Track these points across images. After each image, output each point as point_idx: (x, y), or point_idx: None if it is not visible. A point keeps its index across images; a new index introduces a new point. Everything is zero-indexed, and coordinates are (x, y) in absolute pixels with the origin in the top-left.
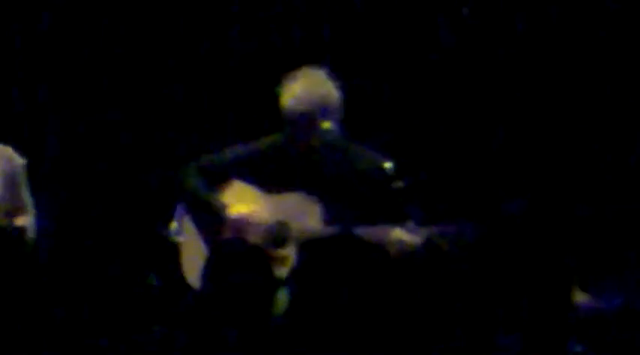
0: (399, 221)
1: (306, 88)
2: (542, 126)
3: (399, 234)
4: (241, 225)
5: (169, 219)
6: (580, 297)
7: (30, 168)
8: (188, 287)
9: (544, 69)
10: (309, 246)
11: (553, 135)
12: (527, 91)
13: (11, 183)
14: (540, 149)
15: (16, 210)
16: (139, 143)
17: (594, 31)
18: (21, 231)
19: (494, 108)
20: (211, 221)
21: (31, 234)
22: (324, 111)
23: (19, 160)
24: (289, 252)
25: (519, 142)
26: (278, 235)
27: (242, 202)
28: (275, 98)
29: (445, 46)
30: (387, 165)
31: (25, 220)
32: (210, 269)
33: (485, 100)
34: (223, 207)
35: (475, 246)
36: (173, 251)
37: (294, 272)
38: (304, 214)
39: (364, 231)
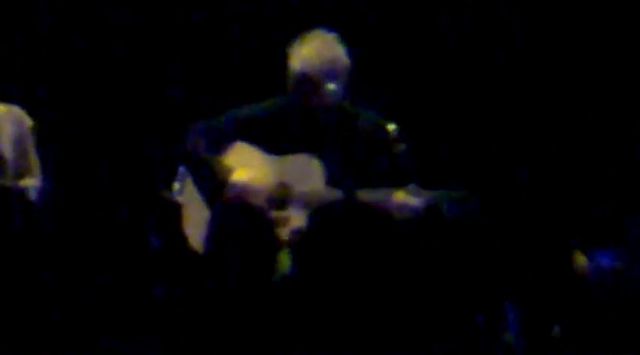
0: (401, 183)
1: (315, 50)
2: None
3: (402, 197)
4: (242, 190)
5: (172, 179)
6: (581, 261)
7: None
8: (189, 249)
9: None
10: (317, 213)
11: (554, 104)
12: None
13: (20, 144)
14: (545, 119)
15: (24, 171)
16: (142, 104)
17: (595, 30)
18: (23, 191)
19: (497, 72)
20: (213, 183)
21: (32, 195)
22: (331, 73)
23: (29, 121)
24: (291, 213)
25: (523, 110)
26: (280, 196)
27: (245, 164)
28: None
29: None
30: (391, 127)
31: (31, 181)
32: (211, 231)
33: (491, 65)
34: (225, 171)
35: (477, 210)
36: (175, 212)
37: (301, 238)
38: (307, 176)
39: (367, 194)
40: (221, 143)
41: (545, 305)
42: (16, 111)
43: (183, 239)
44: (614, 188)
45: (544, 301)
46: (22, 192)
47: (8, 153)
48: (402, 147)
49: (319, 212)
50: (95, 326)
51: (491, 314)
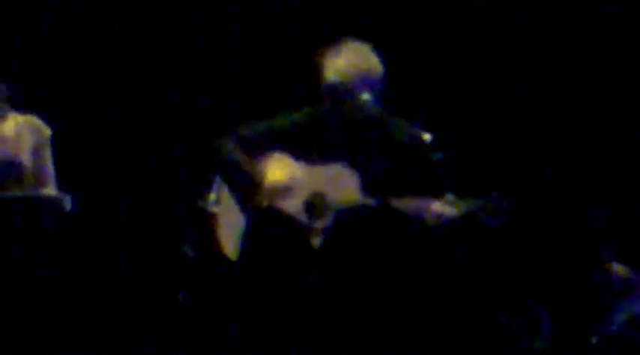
0: (437, 192)
1: (351, 61)
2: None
3: (438, 207)
4: (278, 191)
5: (207, 190)
6: (614, 268)
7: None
8: (224, 258)
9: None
10: (344, 214)
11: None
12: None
13: (39, 154)
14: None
15: (43, 181)
16: (175, 112)
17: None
18: (54, 201)
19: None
20: (248, 190)
21: (67, 206)
22: (367, 84)
23: (47, 131)
24: (326, 224)
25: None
26: (315, 206)
27: (279, 173)
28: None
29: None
30: (426, 136)
31: (50, 191)
32: (246, 241)
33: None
34: (261, 174)
35: (513, 221)
36: (210, 222)
37: (327, 238)
38: (342, 185)
39: (402, 203)
40: (254, 151)
41: (581, 313)
42: (35, 121)
43: (218, 248)
44: None
45: (580, 309)
46: (54, 202)
47: (27, 162)
48: (437, 155)
49: (345, 213)
50: (128, 337)
51: (525, 321)
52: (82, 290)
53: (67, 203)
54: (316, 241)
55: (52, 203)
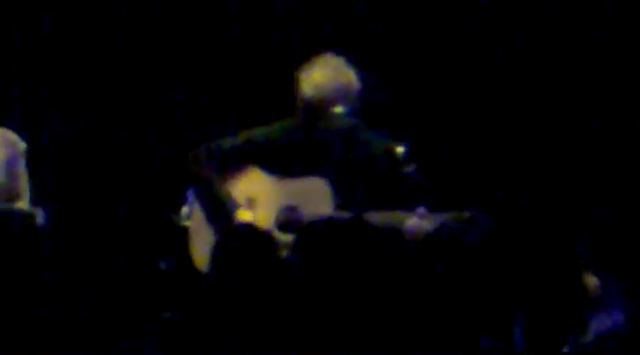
0: (410, 205)
1: (328, 75)
2: (555, 118)
3: (414, 220)
4: (251, 205)
5: (180, 203)
6: (591, 282)
7: (31, 153)
8: (196, 271)
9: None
10: (317, 228)
11: (566, 126)
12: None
13: (12, 167)
14: (554, 141)
15: (15, 195)
16: (148, 126)
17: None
18: (27, 214)
19: (505, 91)
20: (220, 204)
21: (40, 220)
22: (344, 98)
23: (21, 145)
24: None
25: (531, 131)
26: (288, 219)
27: (253, 187)
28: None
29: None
30: (399, 149)
31: (23, 205)
32: (218, 254)
33: (499, 85)
34: (233, 206)
35: (488, 233)
36: (183, 235)
37: (299, 252)
38: (316, 199)
39: (376, 217)
40: (228, 165)
41: (556, 323)
42: (8, 134)
43: (190, 261)
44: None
45: (554, 319)
46: (29, 216)
47: (0, 176)
48: (410, 168)
49: (322, 229)
50: (103, 352)
51: (500, 333)
52: (55, 304)
53: (40, 217)
54: (286, 254)
55: (24, 217)
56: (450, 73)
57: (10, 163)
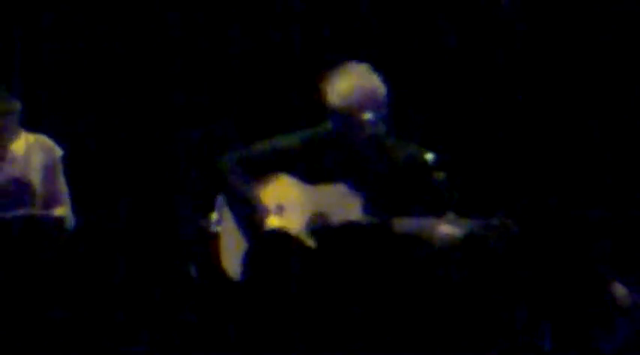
0: (440, 212)
1: (352, 83)
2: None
3: (444, 227)
4: (281, 212)
5: (210, 209)
6: (618, 291)
7: (66, 160)
8: (227, 278)
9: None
10: (347, 235)
11: (589, 132)
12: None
13: (49, 173)
14: (584, 148)
15: (54, 200)
16: (179, 134)
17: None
18: (59, 221)
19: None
20: (251, 211)
21: (68, 224)
22: (372, 106)
23: (58, 151)
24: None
25: (559, 138)
26: (318, 226)
27: (283, 195)
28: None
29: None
30: (429, 156)
31: (62, 211)
32: (250, 260)
33: (529, 95)
34: (263, 213)
35: (517, 240)
36: (213, 242)
37: (330, 258)
38: (345, 206)
39: (405, 223)
40: (257, 172)
41: (583, 333)
42: (45, 140)
43: (220, 268)
44: None
45: (582, 329)
46: (58, 222)
47: (37, 182)
48: (440, 176)
49: (352, 235)
50: None
51: (528, 339)
52: (85, 308)
53: (71, 222)
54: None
55: (55, 222)
56: (478, 83)
57: (47, 170)
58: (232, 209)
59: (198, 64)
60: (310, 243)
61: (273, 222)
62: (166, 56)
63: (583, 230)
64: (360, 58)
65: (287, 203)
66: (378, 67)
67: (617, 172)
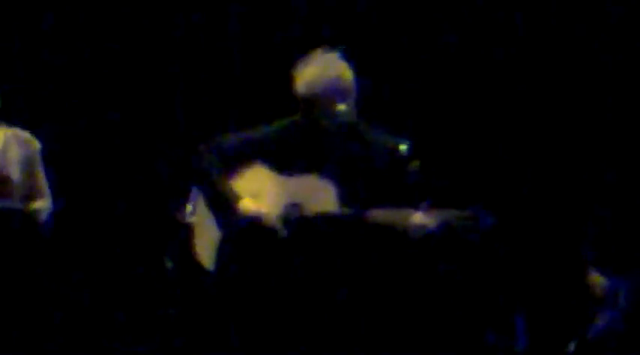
0: (414, 202)
1: (319, 70)
2: (556, 116)
3: (417, 217)
4: (255, 202)
5: (184, 200)
6: (597, 281)
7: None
8: (201, 268)
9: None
10: (321, 225)
11: (565, 125)
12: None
13: (28, 167)
14: (559, 138)
15: (33, 193)
16: (152, 125)
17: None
18: (32, 214)
19: (508, 92)
20: (224, 201)
21: (43, 217)
22: (338, 93)
23: (36, 144)
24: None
25: (534, 128)
26: (292, 217)
27: (256, 185)
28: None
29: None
30: (403, 146)
31: (41, 204)
32: (223, 251)
33: (500, 84)
34: (235, 198)
35: (491, 231)
36: (187, 233)
37: (303, 249)
38: (319, 196)
39: (381, 214)
40: (232, 163)
41: (560, 321)
42: (23, 133)
43: (194, 258)
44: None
45: (558, 318)
46: (31, 214)
47: (15, 175)
48: (414, 165)
49: (325, 226)
50: (109, 350)
51: (503, 330)
52: (60, 304)
53: (43, 215)
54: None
55: (25, 215)
56: (455, 71)
57: (26, 163)
58: (206, 199)
59: (198, 65)
60: (282, 232)
61: (247, 203)
62: (167, 57)
63: (561, 219)
64: (356, 55)
65: (261, 193)
66: (348, 53)
67: (598, 161)
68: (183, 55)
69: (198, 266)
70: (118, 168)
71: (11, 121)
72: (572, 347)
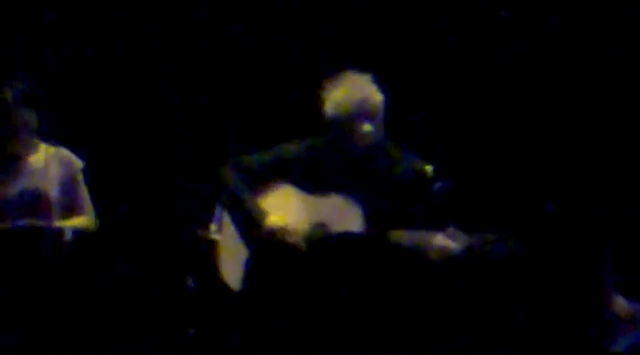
0: (439, 225)
1: (347, 92)
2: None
3: (441, 240)
4: (280, 222)
5: (209, 219)
6: (618, 303)
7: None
8: (225, 287)
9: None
10: (346, 246)
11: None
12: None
13: (68, 185)
14: (578, 155)
15: (73, 211)
16: (178, 141)
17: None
18: (66, 232)
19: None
20: (250, 220)
21: (68, 236)
22: (365, 114)
23: (78, 163)
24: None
25: (556, 149)
26: (317, 236)
27: (282, 204)
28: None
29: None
30: (428, 168)
31: (83, 220)
32: (249, 270)
33: (525, 105)
34: (262, 215)
35: (515, 255)
36: (212, 251)
37: (328, 269)
38: (344, 217)
39: (404, 235)
40: (257, 181)
41: (582, 343)
42: (64, 152)
43: (219, 277)
44: None
45: (580, 340)
46: (58, 233)
47: (54, 194)
48: (439, 187)
49: (350, 246)
50: None
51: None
52: (84, 320)
53: (68, 233)
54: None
55: (53, 233)
56: (489, 94)
57: (66, 182)
58: (233, 217)
59: (199, 68)
60: (303, 249)
61: (274, 219)
62: (167, 59)
63: (584, 239)
64: (361, 61)
65: (287, 212)
66: (377, 74)
67: (617, 178)
68: (211, 81)
69: (222, 285)
70: (141, 184)
71: (53, 140)
72: None
